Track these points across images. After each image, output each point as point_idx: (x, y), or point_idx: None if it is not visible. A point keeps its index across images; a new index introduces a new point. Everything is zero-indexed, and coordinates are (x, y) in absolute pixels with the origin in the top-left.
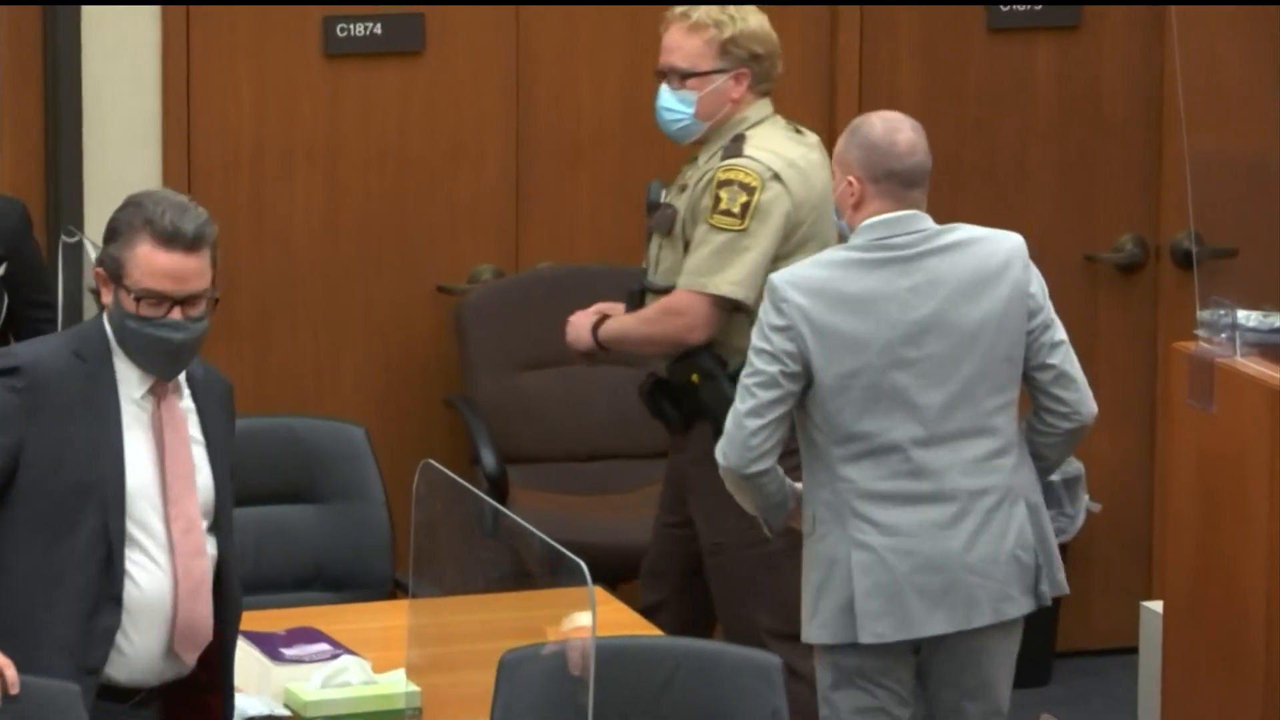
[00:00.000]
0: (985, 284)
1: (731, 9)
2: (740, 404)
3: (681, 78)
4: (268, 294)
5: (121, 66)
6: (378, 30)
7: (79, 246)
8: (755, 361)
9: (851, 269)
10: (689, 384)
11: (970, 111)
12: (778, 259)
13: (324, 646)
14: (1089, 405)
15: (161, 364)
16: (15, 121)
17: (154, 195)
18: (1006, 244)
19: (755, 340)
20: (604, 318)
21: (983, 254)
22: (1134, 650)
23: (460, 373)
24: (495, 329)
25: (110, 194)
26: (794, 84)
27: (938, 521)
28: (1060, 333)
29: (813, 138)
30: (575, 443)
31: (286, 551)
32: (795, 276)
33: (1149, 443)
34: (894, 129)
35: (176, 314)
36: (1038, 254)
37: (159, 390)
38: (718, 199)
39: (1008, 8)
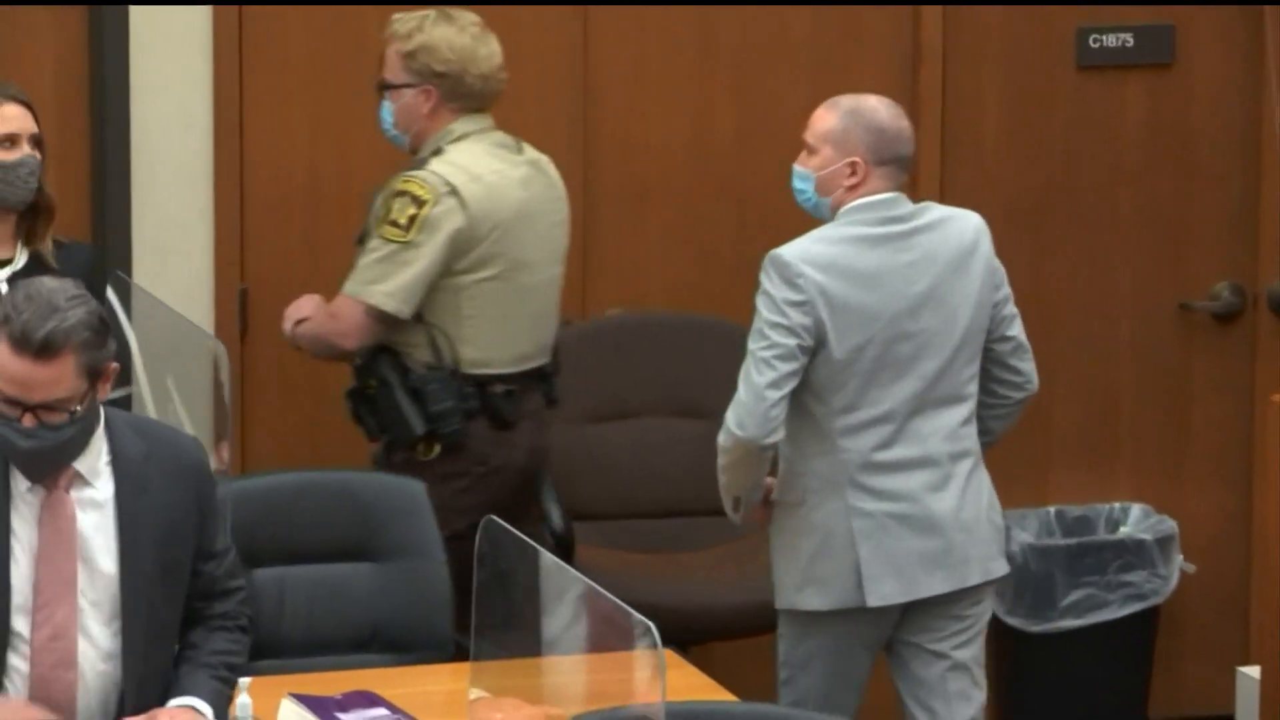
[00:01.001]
0: (966, 259)
1: (432, 19)
2: (759, 376)
3: (383, 89)
4: None
5: (171, 103)
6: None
7: (127, 290)
8: (772, 335)
9: (856, 245)
10: (370, 391)
11: (1057, 152)
12: (454, 275)
13: (382, 711)
14: (1036, 376)
15: (19, 466)
16: (62, 160)
17: (30, 288)
18: (974, 220)
19: (769, 315)
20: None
21: (958, 230)
22: (1229, 718)
23: None
24: (562, 379)
25: (159, 235)
26: None
27: (928, 485)
28: (1014, 305)
29: (532, 155)
30: (645, 498)
31: (342, 611)
32: (806, 253)
33: (1245, 500)
34: (898, 115)
35: (28, 420)
36: (1128, 301)
37: (48, 482)
38: (389, 209)
39: (1098, 43)
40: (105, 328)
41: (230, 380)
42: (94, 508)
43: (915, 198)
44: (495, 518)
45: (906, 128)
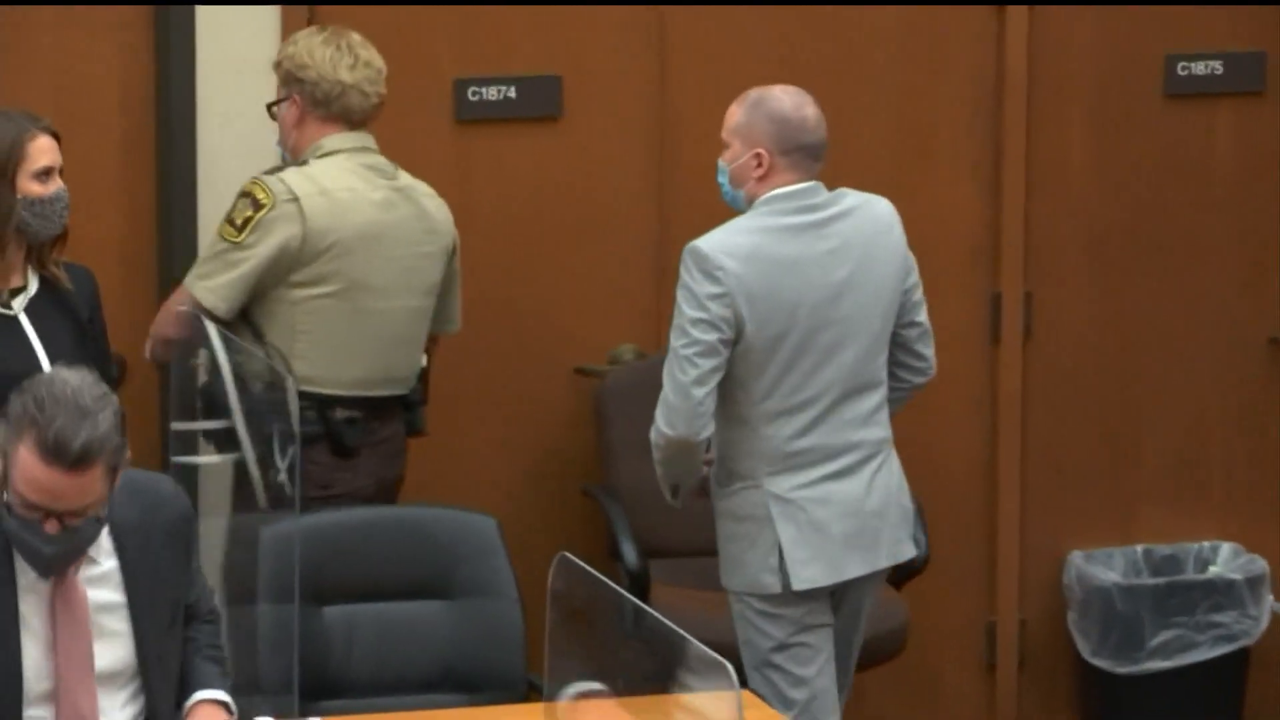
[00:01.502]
0: (882, 246)
1: (310, 33)
2: (683, 375)
3: (270, 109)
4: None
5: (238, 132)
6: (512, 94)
7: (201, 328)
8: (693, 332)
9: (774, 234)
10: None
11: (1144, 181)
12: (290, 287)
13: None
14: (935, 361)
15: (37, 568)
16: (128, 190)
17: (53, 387)
18: (885, 206)
19: (689, 310)
20: None
21: (873, 217)
22: None
23: (599, 460)
24: (637, 413)
25: None
26: (959, 146)
27: (845, 470)
28: (921, 290)
29: (405, 182)
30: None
31: (414, 650)
32: (724, 244)
33: None
34: (802, 104)
35: (52, 526)
36: (1217, 335)
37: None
38: (232, 208)
39: (1186, 71)
40: (124, 423)
41: (299, 413)
42: (102, 582)
43: (1001, 226)
44: (569, 555)
45: (811, 116)
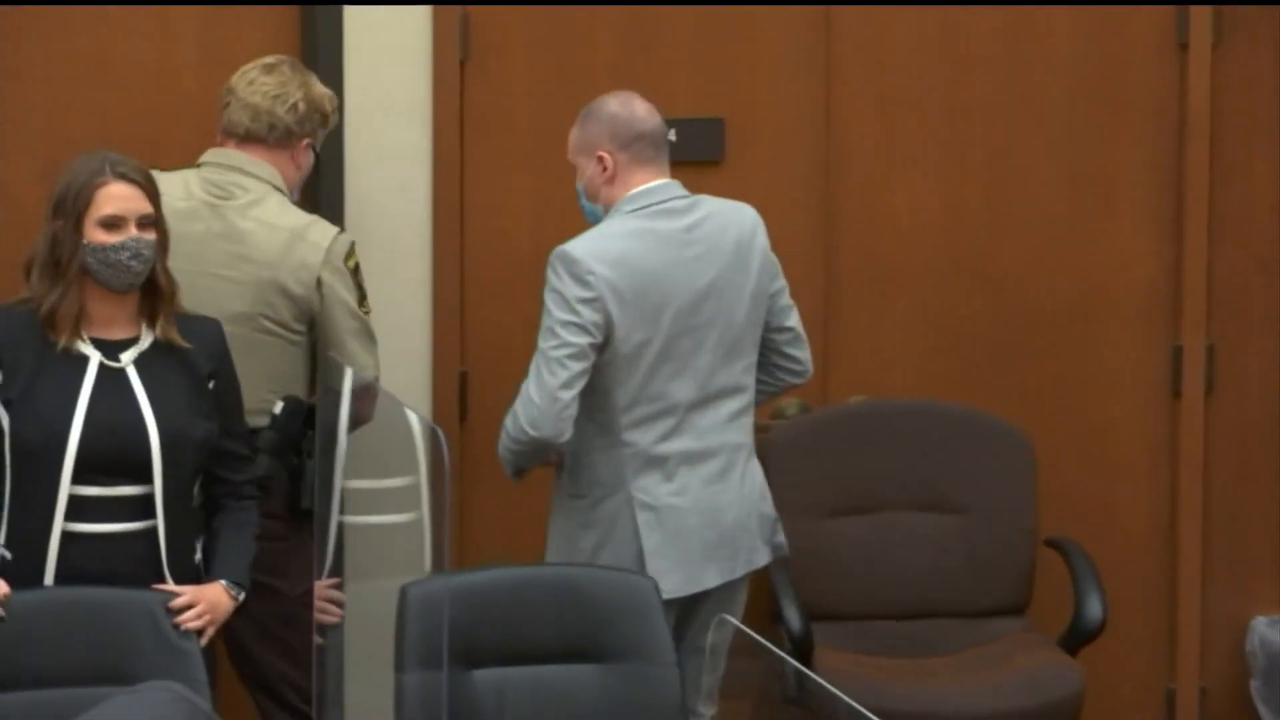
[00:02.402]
0: (746, 252)
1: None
2: (551, 377)
3: None
4: None
5: (387, 173)
6: (672, 136)
7: (340, 374)
8: (563, 334)
9: (642, 239)
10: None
11: None
12: None
13: None
14: (811, 363)
15: None
16: None
17: None
18: (749, 212)
19: (559, 313)
20: None
21: (737, 223)
22: None
23: None
24: (802, 471)
25: (374, 313)
26: (1138, 191)
27: (707, 477)
28: (789, 295)
29: (240, 202)
30: (889, 599)
31: (566, 715)
32: (593, 248)
33: None
34: (628, 99)
35: None
36: None
37: None
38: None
39: None
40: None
41: (450, 469)
42: None
43: (1183, 275)
44: (728, 616)
45: (640, 107)
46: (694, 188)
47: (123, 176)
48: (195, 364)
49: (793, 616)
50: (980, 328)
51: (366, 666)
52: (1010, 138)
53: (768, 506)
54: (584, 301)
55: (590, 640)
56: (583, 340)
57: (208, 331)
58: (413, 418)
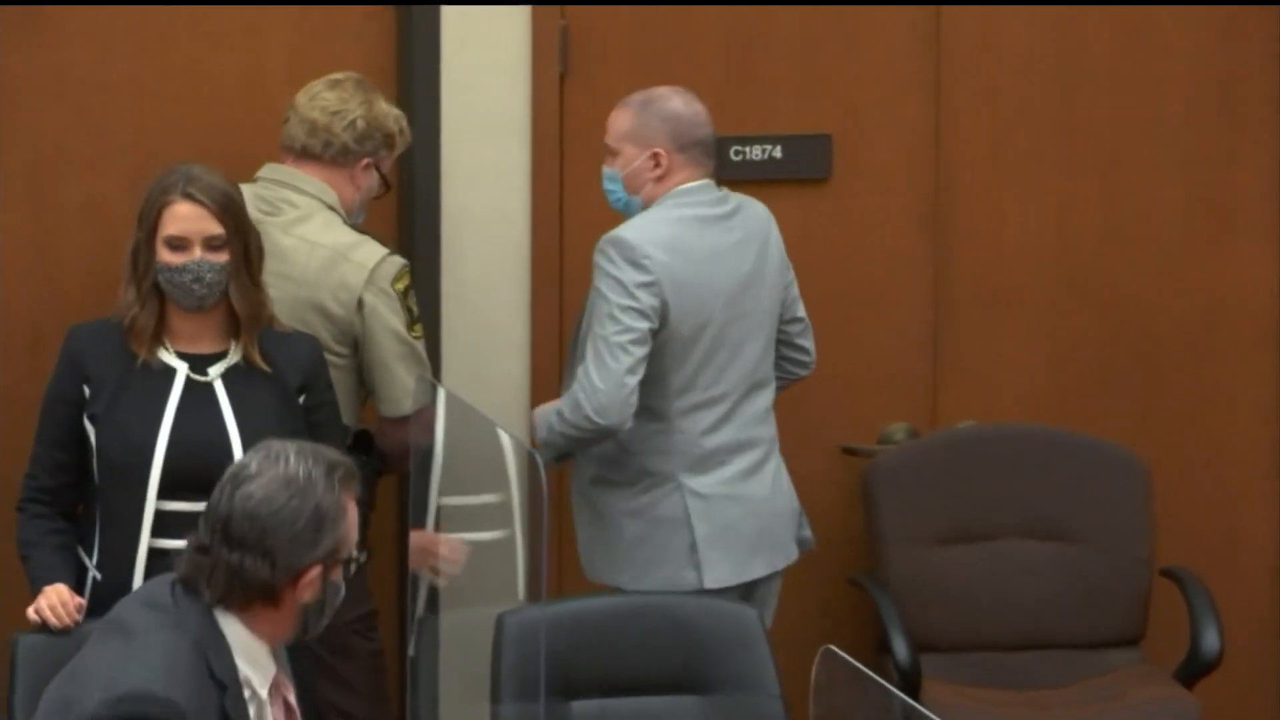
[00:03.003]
0: (769, 243)
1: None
2: (616, 363)
3: None
4: None
5: (485, 192)
6: (778, 154)
7: (434, 395)
8: (624, 319)
9: (690, 225)
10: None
11: None
12: None
13: None
14: (815, 354)
15: None
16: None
17: None
18: (762, 206)
19: (617, 298)
20: None
21: (759, 214)
22: None
23: (868, 547)
24: (909, 497)
25: (471, 335)
26: (1258, 213)
27: (748, 468)
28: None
29: (288, 217)
30: (999, 629)
31: None
32: (647, 233)
33: None
34: (691, 100)
35: None
36: None
37: None
38: None
39: None
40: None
41: (549, 495)
42: None
43: None
44: (834, 648)
45: (702, 111)
46: (800, 207)
47: (189, 196)
48: (286, 381)
49: (900, 647)
50: (1094, 349)
51: (461, 696)
52: (1127, 153)
53: (794, 500)
54: (642, 286)
55: (692, 671)
56: (643, 325)
57: (302, 347)
58: (505, 439)
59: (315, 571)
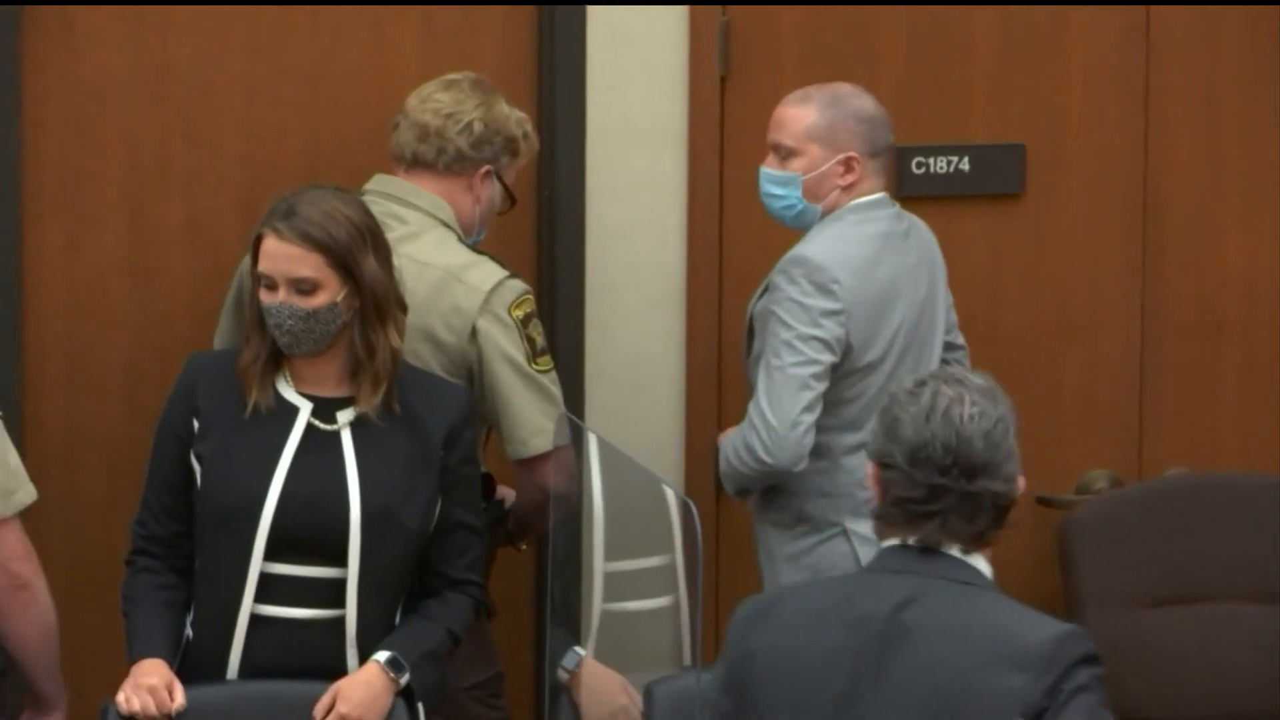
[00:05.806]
0: (937, 265)
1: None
2: (791, 400)
3: None
4: None
5: (636, 208)
6: (965, 166)
7: (580, 436)
8: (806, 350)
9: (876, 245)
10: None
11: None
12: None
13: None
14: None
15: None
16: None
17: None
18: (923, 222)
19: (802, 327)
20: None
21: (926, 234)
22: None
23: (1065, 606)
24: (1111, 553)
25: (619, 369)
26: None
27: None
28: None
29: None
30: (1214, 700)
31: None
32: (837, 255)
33: None
34: (875, 99)
35: None
36: None
37: None
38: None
39: None
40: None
41: (704, 547)
42: None
43: None
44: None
45: (886, 113)
46: (991, 224)
47: (278, 232)
48: (428, 434)
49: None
50: None
51: None
52: None
53: None
54: (829, 315)
55: None
56: (826, 358)
57: (449, 397)
58: (669, 493)
59: None
